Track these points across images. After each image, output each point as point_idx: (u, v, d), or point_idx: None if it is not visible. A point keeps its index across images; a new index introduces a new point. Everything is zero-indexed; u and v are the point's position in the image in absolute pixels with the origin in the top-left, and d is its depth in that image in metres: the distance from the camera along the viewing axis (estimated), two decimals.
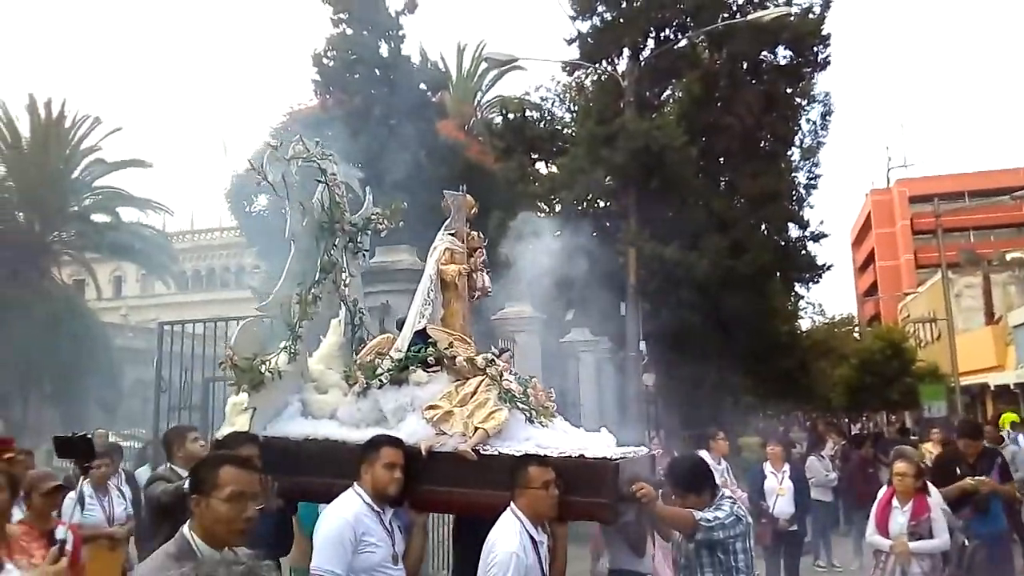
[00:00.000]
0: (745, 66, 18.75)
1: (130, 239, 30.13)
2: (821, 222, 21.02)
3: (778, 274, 19.60)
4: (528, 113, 20.23)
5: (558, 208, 18.19)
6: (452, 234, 4.64)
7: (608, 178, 16.92)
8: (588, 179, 16.48)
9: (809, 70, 18.95)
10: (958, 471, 6.54)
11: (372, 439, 3.81)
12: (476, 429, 3.86)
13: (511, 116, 19.40)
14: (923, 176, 56.56)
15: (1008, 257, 40.30)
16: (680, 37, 18.29)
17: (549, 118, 20.73)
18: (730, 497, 4.33)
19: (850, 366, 32.27)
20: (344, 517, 3.56)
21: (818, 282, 21.80)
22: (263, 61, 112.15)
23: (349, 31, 17.44)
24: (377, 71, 16.95)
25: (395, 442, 3.78)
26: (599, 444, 3.99)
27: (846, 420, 34.25)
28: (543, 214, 17.25)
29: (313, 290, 4.42)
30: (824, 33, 18.33)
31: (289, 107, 19.03)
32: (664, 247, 16.00)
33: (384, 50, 17.33)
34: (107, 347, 27.41)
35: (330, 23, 17.34)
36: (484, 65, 25.16)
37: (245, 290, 24.54)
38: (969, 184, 49.00)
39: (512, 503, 3.60)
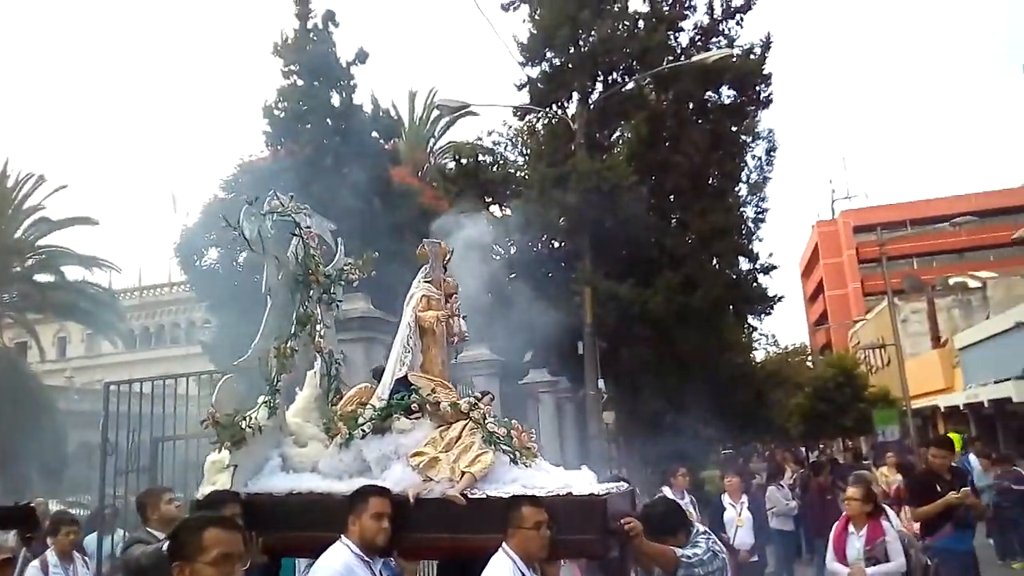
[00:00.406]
0: (691, 106, 19.23)
1: (75, 298, 29.45)
2: (770, 255, 21.59)
3: (731, 307, 19.90)
4: (481, 158, 20.44)
5: (513, 251, 18.33)
6: (428, 281, 4.69)
7: (561, 219, 17.12)
8: (541, 221, 16.66)
9: (752, 108, 19.51)
10: (938, 488, 6.70)
11: (359, 490, 3.81)
12: (463, 473, 3.88)
13: (464, 161, 19.59)
14: (866, 207, 58.43)
15: (951, 282, 41.66)
16: (627, 80, 18.74)
17: (502, 162, 20.99)
18: (705, 533, 4.39)
19: (804, 395, 32.81)
20: (335, 569, 3.55)
21: (770, 313, 22.20)
22: (212, 113, 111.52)
23: (300, 82, 17.48)
24: (329, 121, 16.97)
25: (382, 491, 3.79)
26: (582, 481, 4.01)
27: (803, 448, 34.64)
28: (499, 257, 17.36)
29: (290, 343, 4.42)
30: (765, 72, 18.95)
31: (239, 159, 18.91)
32: (618, 285, 16.19)
33: (336, 100, 17.40)
34: (50, 411, 26.48)
35: (280, 75, 17.37)
36: (436, 112, 25.45)
37: (195, 346, 24.02)
38: (910, 213, 50.74)
39: (504, 544, 3.61)
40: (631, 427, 18.36)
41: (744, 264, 20.66)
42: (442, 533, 3.81)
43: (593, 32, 17.79)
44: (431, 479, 3.91)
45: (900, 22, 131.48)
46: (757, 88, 18.66)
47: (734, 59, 17.60)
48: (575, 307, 15.99)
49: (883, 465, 12.96)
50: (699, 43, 18.45)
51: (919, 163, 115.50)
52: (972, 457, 14.60)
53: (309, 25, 17.38)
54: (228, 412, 4.05)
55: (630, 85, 18.59)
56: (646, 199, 17.75)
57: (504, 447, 4.05)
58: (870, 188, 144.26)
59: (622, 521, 3.85)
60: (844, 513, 6.05)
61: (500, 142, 21.68)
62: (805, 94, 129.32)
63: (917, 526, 6.96)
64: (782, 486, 11.17)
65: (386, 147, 18.68)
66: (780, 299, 21.22)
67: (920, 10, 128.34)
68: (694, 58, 16.55)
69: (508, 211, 19.22)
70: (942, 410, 33.31)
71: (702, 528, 4.47)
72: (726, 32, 18.53)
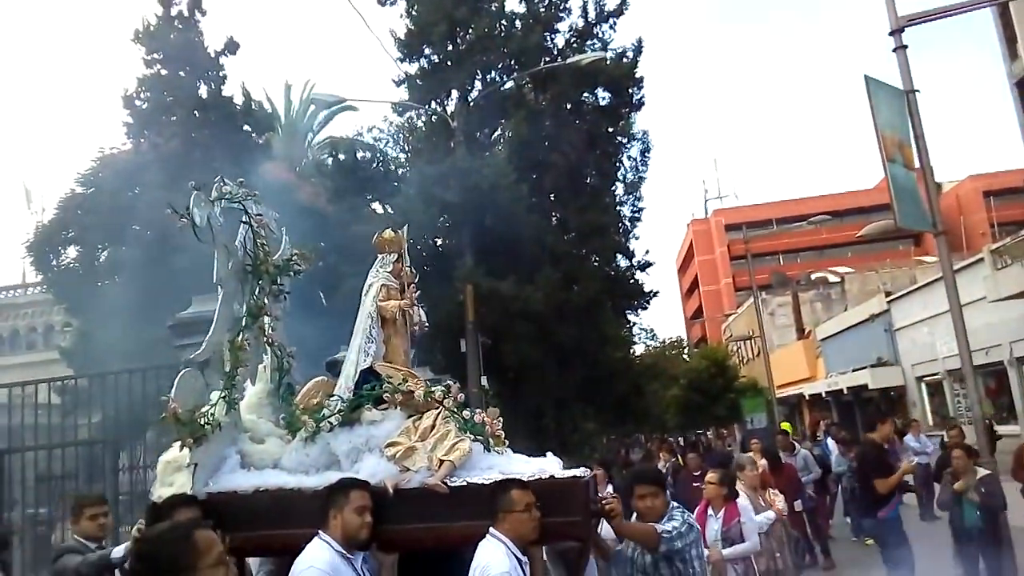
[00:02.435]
0: (568, 107, 19.59)
1: None
2: (647, 252, 22.27)
3: (609, 303, 20.41)
4: (360, 154, 20.10)
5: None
6: (387, 271, 4.60)
7: (442, 217, 17.07)
8: (422, 218, 16.56)
9: (626, 110, 20.07)
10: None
11: (338, 483, 3.69)
12: (442, 462, 3.82)
13: (342, 157, 19.21)
14: (737, 206, 61.31)
15: (813, 277, 44.33)
16: (505, 79, 18.89)
17: (382, 158, 20.71)
18: (678, 507, 4.49)
19: (680, 386, 34.12)
20: (319, 568, 3.39)
21: (646, 308, 22.91)
22: (67, 102, 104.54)
23: (164, 71, 16.68)
24: (196, 113, 16.28)
25: (362, 484, 3.68)
26: (554, 466, 4.02)
27: (680, 438, 36.03)
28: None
29: (243, 335, 4.25)
30: (638, 76, 19.52)
31: (99, 151, 17.86)
32: (499, 282, 16.29)
33: (203, 91, 16.69)
34: None
35: (143, 63, 16.49)
36: (313, 106, 24.80)
37: (53, 351, 22.52)
38: (776, 212, 53.55)
39: (492, 528, 3.58)
40: (514, 423, 18.46)
41: (622, 261, 21.27)
42: (424, 523, 3.74)
43: (471, 30, 17.82)
44: (408, 469, 3.84)
45: (764, 33, 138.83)
46: (630, 91, 19.20)
47: (607, 62, 18.06)
48: (457, 305, 15.98)
49: (749, 451, 13.64)
50: (574, 45, 18.80)
51: (785, 165, 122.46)
52: (830, 442, 15.57)
53: (174, 12, 16.63)
54: (188, 409, 3.85)
55: (509, 84, 18.73)
56: (526, 197, 17.95)
57: (478, 435, 4.02)
58: (741, 188, 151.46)
59: (603, 501, 3.94)
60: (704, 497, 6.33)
61: (380, 138, 21.42)
62: (680, 98, 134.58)
63: (780, 502, 7.38)
64: None
65: (259, 141, 18.10)
66: (656, 294, 21.96)
67: (783, 22, 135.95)
68: (569, 60, 16.85)
69: (388, 208, 18.99)
70: (806, 397, 35.46)
71: (675, 504, 4.55)
72: (600, 35, 18.99)
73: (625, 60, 19.24)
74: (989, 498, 7.07)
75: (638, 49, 19.23)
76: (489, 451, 4.06)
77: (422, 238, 18.14)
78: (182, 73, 16.63)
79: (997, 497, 7.16)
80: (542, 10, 18.93)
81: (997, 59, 26.83)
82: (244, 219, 4.47)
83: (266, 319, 4.47)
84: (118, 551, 4.43)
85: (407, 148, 20.81)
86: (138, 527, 3.91)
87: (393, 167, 20.28)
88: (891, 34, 9.76)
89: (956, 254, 27.41)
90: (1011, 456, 8.23)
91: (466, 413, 4.11)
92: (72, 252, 17.69)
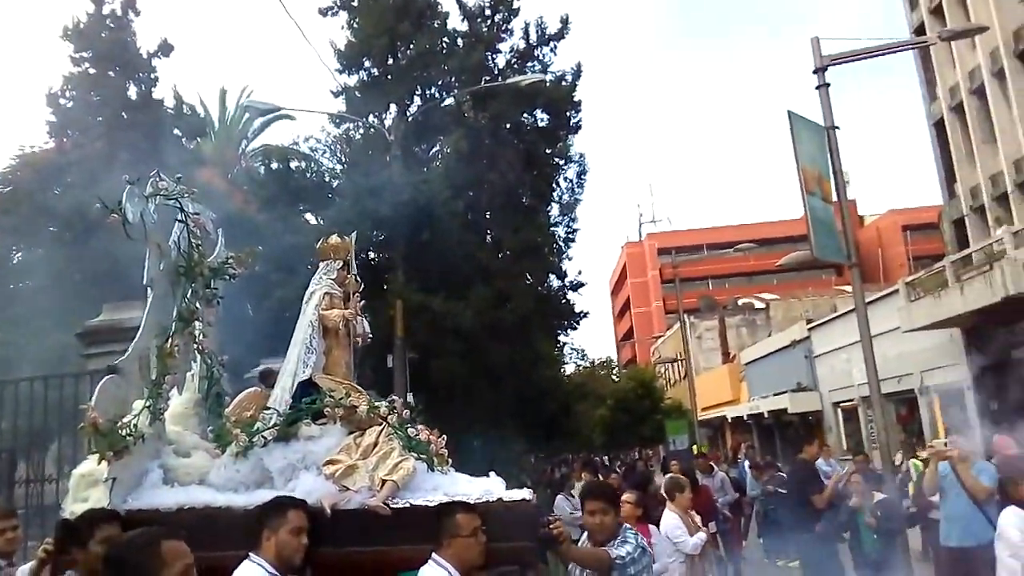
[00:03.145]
0: (507, 126, 19.77)
1: None
2: (579, 272, 22.51)
3: (541, 322, 20.56)
4: (295, 163, 19.85)
5: None
6: (331, 279, 4.44)
7: (375, 231, 16.97)
8: (355, 231, 16.42)
9: (564, 132, 20.36)
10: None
11: (274, 501, 3.44)
12: (384, 482, 3.64)
13: (275, 165, 18.92)
14: (670, 231, 62.62)
15: (739, 302, 45.52)
16: (445, 96, 18.96)
17: (316, 169, 20.47)
18: (631, 529, 4.31)
19: (607, 407, 34.48)
20: None
21: (576, 328, 23.16)
22: None
23: (93, 70, 16.20)
24: (124, 114, 15.84)
25: (299, 504, 3.44)
26: (498, 488, 3.85)
27: (606, 457, 36.38)
28: (310, 266, 16.89)
29: (172, 341, 4.00)
30: (576, 99, 19.85)
31: (19, 149, 17.20)
32: (431, 298, 16.25)
33: (133, 92, 16.27)
34: None
35: (69, 61, 15.99)
36: (249, 113, 24.39)
37: None
38: (708, 238, 54.90)
39: (435, 554, 3.39)
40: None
41: (555, 281, 21.47)
42: (363, 546, 3.55)
43: (412, 45, 17.84)
44: (348, 489, 3.67)
45: (701, 63, 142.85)
46: (568, 113, 19.50)
47: (547, 84, 18.30)
48: (386, 319, 15.86)
49: (669, 472, 13.90)
50: (515, 66, 19.00)
51: (718, 192, 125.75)
52: (747, 465, 15.98)
53: (106, 10, 16.18)
54: (109, 417, 3.59)
55: (448, 101, 18.80)
56: (461, 214, 18.00)
57: (422, 454, 3.86)
58: (674, 213, 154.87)
59: (552, 526, 3.76)
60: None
61: (317, 148, 21.17)
62: (618, 122, 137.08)
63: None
64: (572, 495, 11.55)
65: (190, 146, 17.70)
66: (586, 315, 22.21)
67: (719, 54, 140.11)
68: (509, 80, 17.02)
69: (321, 219, 18.78)
70: (729, 420, 36.26)
71: (627, 525, 4.38)
72: (541, 58, 19.23)
73: (564, 83, 19.55)
74: (886, 522, 7.36)
75: (577, 73, 19.57)
76: (433, 471, 3.92)
77: (355, 253, 18.00)
78: (111, 73, 16.19)
79: (894, 521, 7.47)
80: (484, 30, 19.10)
81: (919, 100, 28.22)
82: (180, 217, 4.27)
83: (197, 324, 4.26)
84: (23, 571, 4.13)
85: (343, 160, 20.63)
86: (46, 546, 3.67)
87: (328, 178, 20.07)
88: (815, 72, 10.19)
89: (875, 285, 28.61)
90: None
91: (411, 431, 3.97)
92: None
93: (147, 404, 3.86)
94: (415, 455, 3.86)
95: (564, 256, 21.60)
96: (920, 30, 25.87)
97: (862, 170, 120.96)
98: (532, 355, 21.15)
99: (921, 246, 44.65)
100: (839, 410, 26.91)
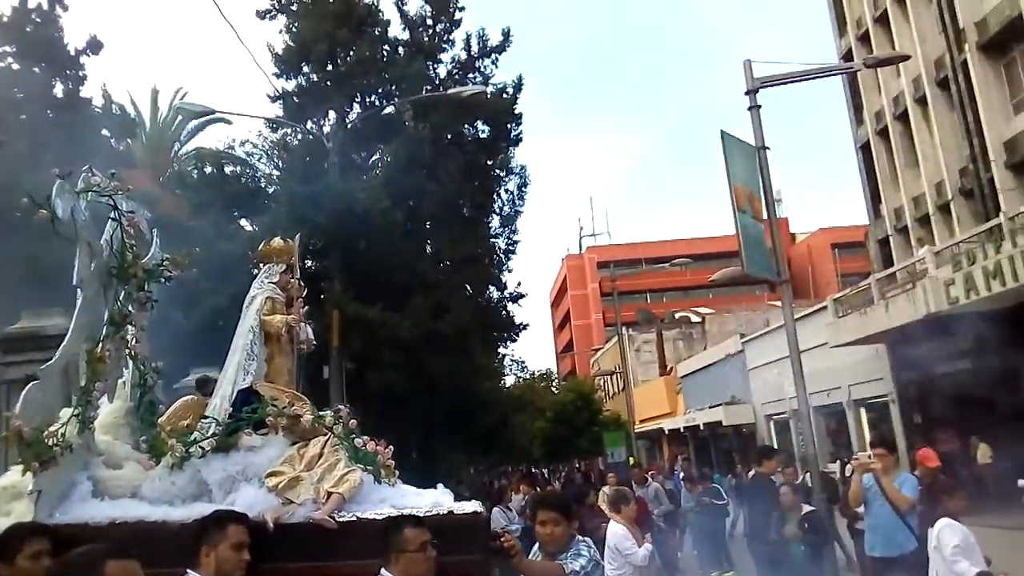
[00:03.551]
0: (448, 137, 19.69)
1: None
2: (519, 284, 22.42)
3: (480, 334, 20.48)
4: (230, 168, 19.39)
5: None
6: (273, 282, 4.27)
7: (311, 238, 16.67)
8: (291, 238, 16.12)
9: (505, 144, 20.37)
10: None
11: (213, 515, 3.28)
12: (329, 494, 3.51)
13: (208, 169, 18.46)
14: (609, 244, 63.33)
15: (676, 316, 46.28)
16: (385, 104, 18.80)
17: (252, 174, 20.05)
18: (584, 541, 4.21)
19: (546, 419, 34.56)
20: None
21: (516, 340, 23.13)
22: None
23: (16, 66, 15.56)
24: (50, 112, 15.24)
25: (240, 517, 3.30)
26: (446, 500, 3.76)
27: (545, 470, 36.43)
28: (244, 273, 16.51)
29: (103, 345, 3.79)
30: (517, 112, 19.89)
31: None
32: (368, 308, 16.03)
33: (59, 90, 15.68)
34: None
35: None
36: (182, 115, 23.78)
37: None
38: (646, 252, 55.67)
39: (383, 569, 3.27)
40: None
41: (494, 292, 21.42)
42: (308, 562, 3.42)
43: (352, 52, 17.65)
44: (292, 502, 3.53)
45: (643, 81, 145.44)
46: (509, 126, 19.52)
47: (488, 96, 18.30)
48: (321, 329, 15.58)
49: (605, 484, 14.00)
50: (456, 77, 18.96)
51: (656, 207, 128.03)
52: (682, 474, 16.19)
53: (32, 3, 15.56)
54: (35, 426, 3.38)
55: (389, 109, 18.65)
56: (400, 224, 17.83)
57: (368, 466, 3.74)
58: (614, 227, 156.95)
59: (501, 539, 3.69)
60: None
61: (253, 153, 20.73)
62: (559, 135, 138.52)
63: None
64: (509, 508, 11.50)
65: (120, 147, 17.14)
66: (526, 327, 22.22)
67: (659, 74, 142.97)
68: (450, 91, 16.98)
69: (255, 226, 18.39)
70: (666, 432, 36.76)
71: (579, 536, 4.27)
72: (482, 69, 19.23)
73: (505, 95, 19.58)
74: (812, 534, 7.52)
75: (518, 86, 19.61)
76: (380, 483, 3.82)
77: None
78: (36, 69, 15.57)
79: (821, 533, 7.63)
80: (426, 39, 19.02)
81: (846, 123, 29.22)
82: (112, 215, 4.08)
83: (130, 329, 4.07)
84: None
85: (280, 166, 20.26)
86: None
87: (264, 184, 19.68)
88: (747, 94, 10.43)
89: (805, 301, 29.42)
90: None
91: (357, 441, 3.86)
92: None
93: (75, 412, 3.70)
94: (362, 467, 3.77)
95: (504, 268, 21.56)
96: (848, 56, 26.84)
97: (794, 189, 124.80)
98: (471, 367, 21.04)
99: (849, 264, 46.18)
100: (772, 422, 27.52)
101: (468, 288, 20.27)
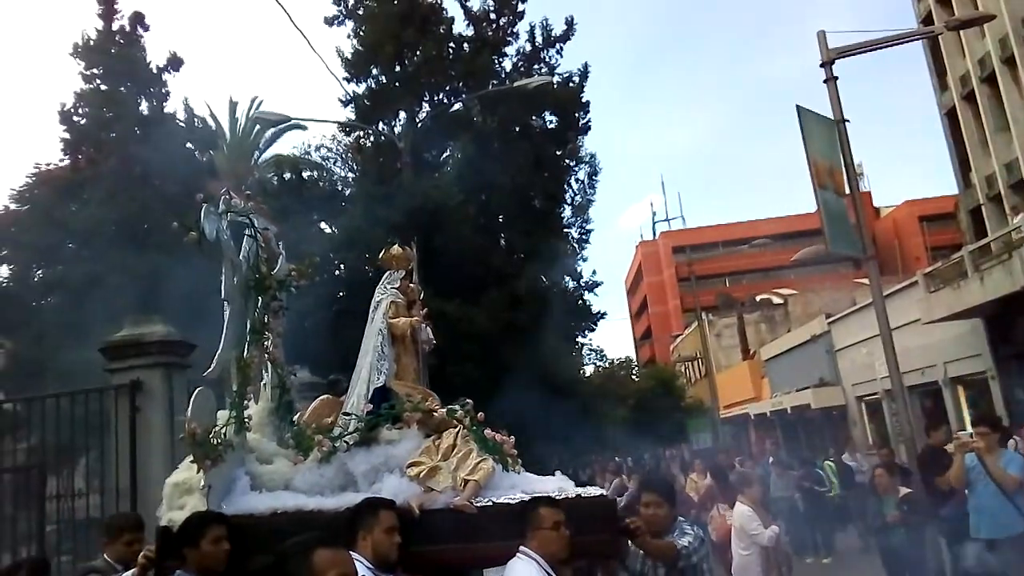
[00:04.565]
0: (516, 129, 19.76)
1: None
2: (594, 272, 22.42)
3: (556, 324, 20.52)
4: (307, 173, 19.93)
5: (343, 268, 17.98)
6: (395, 287, 4.54)
7: (388, 238, 17.00)
8: (368, 238, 16.46)
9: (573, 134, 20.32)
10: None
11: (366, 502, 3.60)
12: (466, 482, 3.76)
13: (288, 176, 19.02)
14: (684, 228, 62.29)
15: (758, 299, 45.24)
16: (454, 101, 18.99)
17: (329, 178, 20.57)
18: (684, 519, 4.43)
19: (627, 407, 34.32)
20: None
21: (594, 329, 23.13)
22: None
23: (104, 87, 16.36)
24: (137, 129, 15.97)
25: (389, 504, 3.60)
26: (570, 486, 3.97)
27: (628, 458, 36.23)
28: (326, 275, 16.97)
29: (250, 353, 4.13)
30: (584, 100, 19.82)
31: (34, 167, 17.41)
32: (446, 303, 16.25)
33: (145, 107, 16.41)
34: None
35: (81, 78, 16.16)
36: (260, 125, 24.53)
37: None
38: (723, 235, 54.62)
39: (522, 547, 3.51)
40: None
41: (570, 283, 21.44)
42: (451, 544, 3.67)
43: (418, 52, 17.88)
44: (433, 489, 3.79)
45: (712, 57, 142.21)
46: (576, 115, 19.46)
47: (554, 86, 18.28)
48: None
49: (693, 471, 13.85)
50: (522, 69, 19.00)
51: (732, 188, 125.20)
52: (771, 462, 15.85)
53: (115, 27, 16.33)
54: (204, 427, 3.73)
55: (457, 106, 18.82)
56: (472, 219, 18.01)
57: (496, 454, 3.97)
58: (688, 211, 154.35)
59: (628, 520, 3.89)
60: None
61: (328, 157, 21.26)
62: (629, 119, 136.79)
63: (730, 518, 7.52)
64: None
65: (203, 159, 17.81)
66: (603, 316, 22.18)
67: (728, 48, 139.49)
68: (516, 83, 17.03)
69: (334, 228, 18.87)
70: (752, 417, 36.06)
71: (682, 518, 4.48)
72: (547, 60, 19.22)
73: (572, 84, 19.51)
74: (911, 516, 7.25)
75: (584, 74, 19.53)
76: (507, 471, 4.03)
77: (367, 258, 18.04)
78: (123, 89, 16.34)
79: (920, 515, 7.35)
80: (490, 33, 19.11)
81: (929, 90, 27.99)
82: (249, 232, 4.37)
83: (268, 336, 4.36)
84: None
85: (354, 168, 20.71)
86: (147, 552, 3.77)
87: (340, 186, 20.17)
88: (822, 66, 10.10)
89: (893, 277, 28.34)
90: None
91: (486, 432, 4.07)
92: (4, 271, 17.18)
93: (232, 414, 4.01)
94: (491, 456, 3.97)
95: (579, 257, 21.59)
96: (928, 20, 25.67)
97: (876, 162, 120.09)
98: (549, 357, 21.12)
99: (939, 236, 44.21)
100: (863, 404, 26.68)
101: (543, 279, 20.33)
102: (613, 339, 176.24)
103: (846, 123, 9.93)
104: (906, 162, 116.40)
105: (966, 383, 20.38)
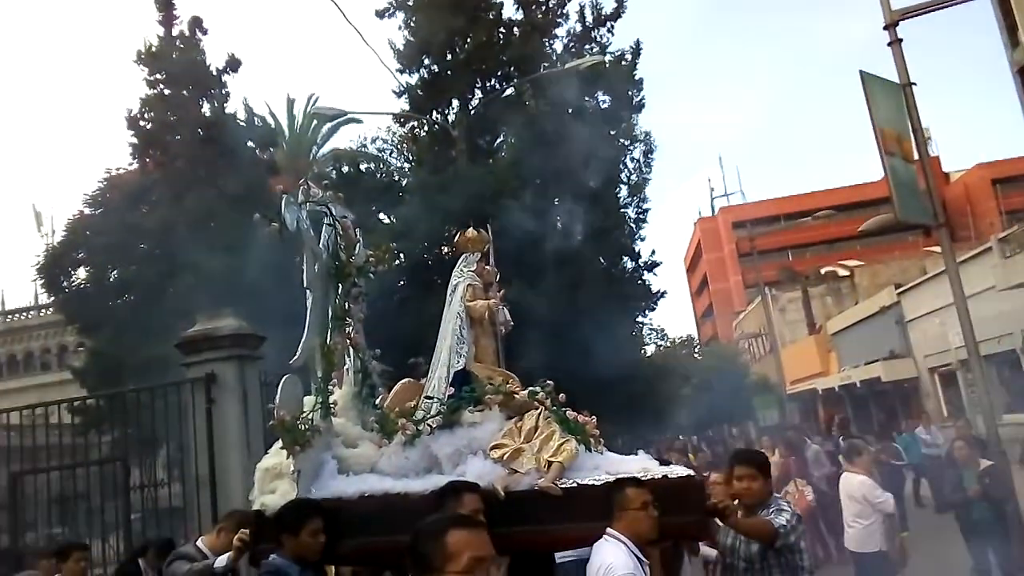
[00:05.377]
0: (570, 111, 19.63)
1: None
2: (653, 252, 22.23)
3: (617, 305, 20.41)
4: (364, 165, 20.19)
5: (402, 257, 18.20)
6: (471, 270, 4.59)
7: (446, 226, 17.13)
8: (426, 227, 16.62)
9: (627, 113, 20.10)
10: None
11: (451, 486, 3.61)
12: (550, 463, 3.75)
13: (346, 169, 19.29)
14: (743, 203, 61.07)
15: (822, 271, 44.14)
16: (506, 86, 18.96)
17: (386, 169, 20.79)
18: (778, 495, 4.36)
19: (691, 386, 34.00)
20: None
21: (655, 309, 22.95)
22: (72, 124, 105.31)
23: (167, 91, 16.86)
24: (200, 131, 16.42)
25: (473, 487, 3.63)
26: (655, 466, 3.95)
27: (695, 438, 35.94)
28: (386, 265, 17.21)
29: (333, 339, 4.25)
30: (637, 78, 19.57)
31: (106, 172, 18.06)
32: (505, 288, 16.32)
33: (206, 109, 16.86)
34: None
35: (145, 84, 16.67)
36: (316, 119, 24.93)
37: (66, 371, 22.71)
38: (784, 208, 53.35)
39: (610, 528, 3.51)
40: None
41: (628, 263, 21.27)
42: (537, 525, 3.66)
43: (469, 39, 17.89)
44: (517, 471, 3.78)
45: (763, 28, 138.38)
46: (630, 93, 19.23)
47: (607, 65, 18.08)
48: None
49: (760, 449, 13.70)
50: (573, 50, 18.86)
51: (791, 160, 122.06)
52: (841, 439, 15.53)
53: (175, 32, 16.79)
54: (292, 414, 3.85)
55: (509, 91, 18.79)
56: (529, 203, 17.99)
57: (579, 435, 3.96)
58: (747, 185, 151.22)
59: (717, 501, 3.86)
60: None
61: (384, 149, 21.49)
62: (683, 94, 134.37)
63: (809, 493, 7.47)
64: None
65: (264, 157, 18.22)
66: (663, 295, 21.99)
67: (781, 17, 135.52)
68: (568, 65, 16.90)
69: (392, 219, 19.09)
70: (820, 393, 35.31)
71: (777, 495, 4.41)
72: (598, 39, 19.03)
73: (624, 63, 19.29)
74: (993, 489, 7.04)
75: (636, 51, 19.29)
76: (591, 451, 4.00)
77: (427, 248, 18.23)
78: (185, 92, 16.82)
79: (1001, 487, 7.13)
80: (540, 16, 19.00)
81: (999, 48, 26.74)
82: (328, 221, 4.45)
83: (349, 322, 4.44)
84: (221, 560, 4.43)
85: (411, 158, 20.89)
86: (242, 535, 3.93)
87: (396, 177, 20.37)
88: (885, 28, 9.77)
89: (966, 243, 27.34)
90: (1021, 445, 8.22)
91: (569, 414, 4.06)
92: (82, 273, 17.90)
93: (318, 400, 4.07)
94: (577, 436, 3.94)
95: (636, 237, 21.40)
96: None
97: (945, 126, 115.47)
98: (611, 338, 21.04)
99: (1013, 200, 42.39)
100: (936, 376, 25.89)
101: (601, 260, 20.22)
102: (674, 318, 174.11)
103: (913, 86, 9.59)
104: (977, 125, 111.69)
105: None
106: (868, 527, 6.61)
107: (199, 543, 4.94)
